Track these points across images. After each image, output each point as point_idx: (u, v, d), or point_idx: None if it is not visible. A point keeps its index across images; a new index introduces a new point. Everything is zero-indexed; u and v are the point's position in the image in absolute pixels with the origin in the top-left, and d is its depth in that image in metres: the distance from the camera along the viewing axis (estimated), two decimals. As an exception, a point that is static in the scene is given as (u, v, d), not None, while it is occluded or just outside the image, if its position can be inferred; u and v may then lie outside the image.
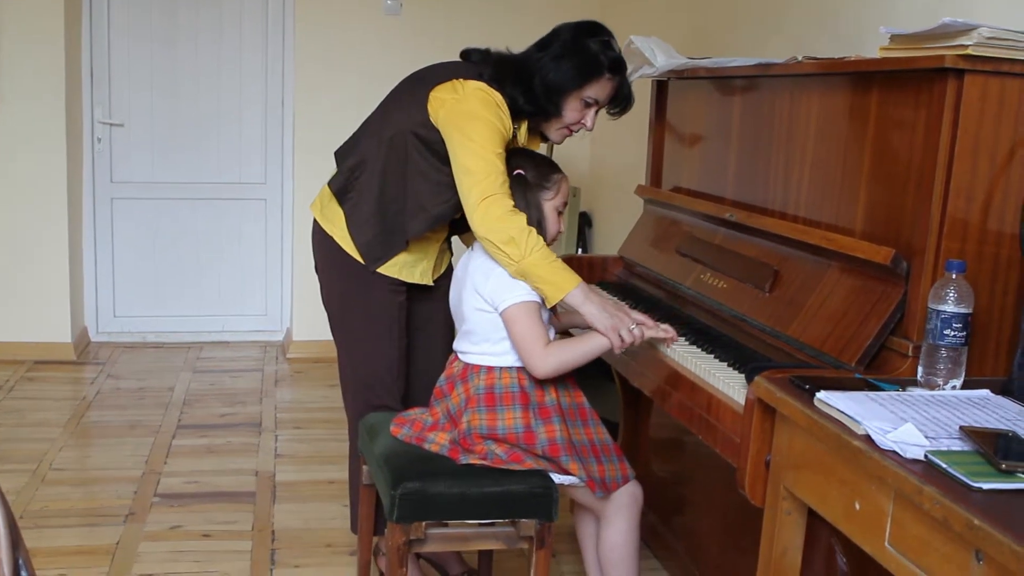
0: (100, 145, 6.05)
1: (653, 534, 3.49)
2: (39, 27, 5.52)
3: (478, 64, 2.95)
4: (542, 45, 2.93)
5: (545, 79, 2.86)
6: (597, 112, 2.98)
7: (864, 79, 2.42)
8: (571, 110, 2.92)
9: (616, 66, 2.92)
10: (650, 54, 3.27)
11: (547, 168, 2.80)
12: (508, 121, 2.85)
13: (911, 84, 2.24)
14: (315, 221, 3.14)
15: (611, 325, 2.62)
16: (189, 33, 6.04)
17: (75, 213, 5.90)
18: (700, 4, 4.52)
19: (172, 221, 6.21)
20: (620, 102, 2.99)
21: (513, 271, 2.64)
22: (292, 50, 5.98)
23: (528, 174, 2.74)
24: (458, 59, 3.04)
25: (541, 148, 3.17)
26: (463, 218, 2.91)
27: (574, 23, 2.95)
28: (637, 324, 2.65)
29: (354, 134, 3.14)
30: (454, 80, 2.89)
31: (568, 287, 2.63)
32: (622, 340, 2.62)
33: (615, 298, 3.09)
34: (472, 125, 2.79)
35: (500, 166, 2.74)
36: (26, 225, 5.69)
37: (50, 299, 5.77)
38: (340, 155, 3.13)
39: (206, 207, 6.24)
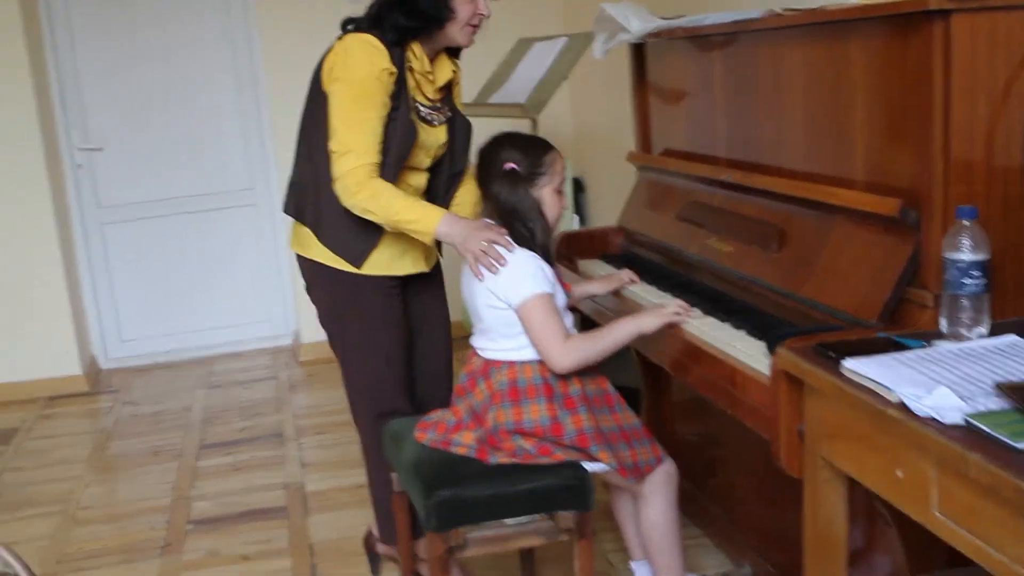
0: (82, 171, 6.01)
1: (689, 500, 3.47)
2: (3, 70, 5.45)
3: (354, 22, 2.97)
4: None
5: None
6: None
7: (848, 27, 2.37)
8: (462, 4, 2.91)
9: None
10: (624, 20, 3.22)
11: (537, 151, 2.73)
12: (383, 59, 2.84)
13: (898, 29, 2.19)
14: (299, 257, 3.12)
15: (468, 249, 2.68)
16: (156, 49, 5.97)
17: (67, 243, 5.86)
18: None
19: (165, 238, 6.17)
20: None
21: (385, 226, 2.87)
22: (260, 52, 5.91)
23: (520, 166, 2.68)
24: None
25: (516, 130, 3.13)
26: (437, 183, 3.07)
27: None
28: (493, 239, 2.64)
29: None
30: (333, 46, 2.94)
31: (433, 224, 2.78)
32: (476, 258, 2.65)
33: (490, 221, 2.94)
34: (338, 90, 2.86)
35: (359, 137, 2.82)
36: (19, 262, 5.65)
37: (55, 333, 5.74)
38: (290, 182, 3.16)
39: (197, 220, 6.20)
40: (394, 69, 2.86)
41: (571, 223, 4.96)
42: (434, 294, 3.26)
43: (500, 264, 2.63)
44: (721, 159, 3.05)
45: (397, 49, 2.87)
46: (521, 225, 2.66)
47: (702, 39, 3.09)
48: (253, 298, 6.34)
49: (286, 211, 3.13)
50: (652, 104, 3.51)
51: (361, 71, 2.83)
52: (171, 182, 6.13)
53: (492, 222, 2.72)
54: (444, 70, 3.06)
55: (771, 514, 2.98)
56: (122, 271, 6.16)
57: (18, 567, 1.53)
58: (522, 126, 3.64)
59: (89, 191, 6.05)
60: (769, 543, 3.01)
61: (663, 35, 3.21)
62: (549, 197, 2.72)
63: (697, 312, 2.71)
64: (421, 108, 2.98)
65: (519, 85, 4.44)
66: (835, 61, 2.44)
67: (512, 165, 2.68)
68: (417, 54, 2.94)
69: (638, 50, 3.51)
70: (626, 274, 3.07)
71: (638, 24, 3.20)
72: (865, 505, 2.27)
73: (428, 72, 2.98)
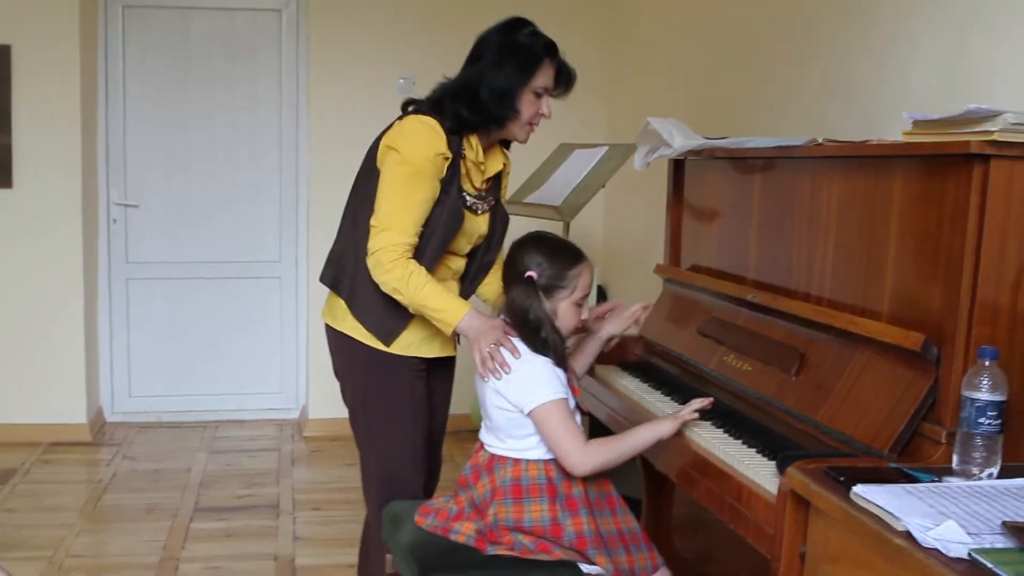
0: (115, 226, 6.09)
1: (680, 617, 3.44)
2: (56, 110, 5.59)
3: (415, 103, 3.03)
4: (475, 58, 2.99)
5: (493, 86, 2.91)
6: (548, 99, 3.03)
7: (888, 162, 2.42)
8: (526, 105, 2.96)
9: (550, 49, 2.98)
10: (667, 135, 3.27)
11: (565, 263, 2.72)
12: (441, 142, 2.89)
13: (937, 169, 2.23)
14: (328, 328, 3.14)
15: (475, 343, 2.72)
16: (204, 114, 6.10)
17: (91, 293, 5.92)
18: (715, 80, 4.55)
19: (187, 300, 6.23)
20: (563, 81, 3.03)
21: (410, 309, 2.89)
22: (307, 129, 6.03)
23: (541, 275, 2.68)
24: None
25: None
26: (469, 268, 3.10)
27: (495, 26, 3.01)
28: (500, 342, 2.68)
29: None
30: (392, 125, 2.99)
31: (457, 317, 2.82)
32: (483, 358, 2.68)
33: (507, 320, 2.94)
34: (391, 168, 2.90)
35: (402, 217, 2.86)
36: (42, 306, 5.71)
37: (66, 380, 5.77)
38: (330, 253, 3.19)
39: (221, 286, 6.26)
40: (449, 154, 2.91)
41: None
42: (446, 379, 3.28)
43: (504, 371, 2.64)
44: (748, 279, 3.07)
45: (455, 137, 2.93)
46: (531, 331, 2.68)
47: (742, 161, 3.14)
48: (266, 368, 6.36)
49: (322, 280, 3.15)
50: (686, 219, 3.55)
51: (417, 152, 2.88)
52: (201, 245, 6.20)
53: (507, 322, 2.74)
54: (496, 161, 3.11)
55: (762, 640, 2.95)
56: (140, 327, 6.20)
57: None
58: (555, 228, 3.69)
59: (119, 245, 6.13)
60: (757, 669, 2.97)
61: (704, 154, 3.26)
62: (566, 310, 2.72)
63: (708, 424, 2.72)
64: (468, 197, 3.03)
65: (556, 188, 4.50)
66: (872, 194, 2.47)
67: (532, 274, 2.68)
68: (472, 144, 3.00)
69: (677, 165, 3.56)
70: (638, 307, 3.13)
71: (681, 141, 3.25)
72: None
73: (480, 162, 3.03)
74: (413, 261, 2.86)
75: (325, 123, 5.94)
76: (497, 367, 2.65)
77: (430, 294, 2.84)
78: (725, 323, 3.09)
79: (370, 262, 2.88)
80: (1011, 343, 2.14)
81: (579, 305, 2.75)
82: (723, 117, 4.37)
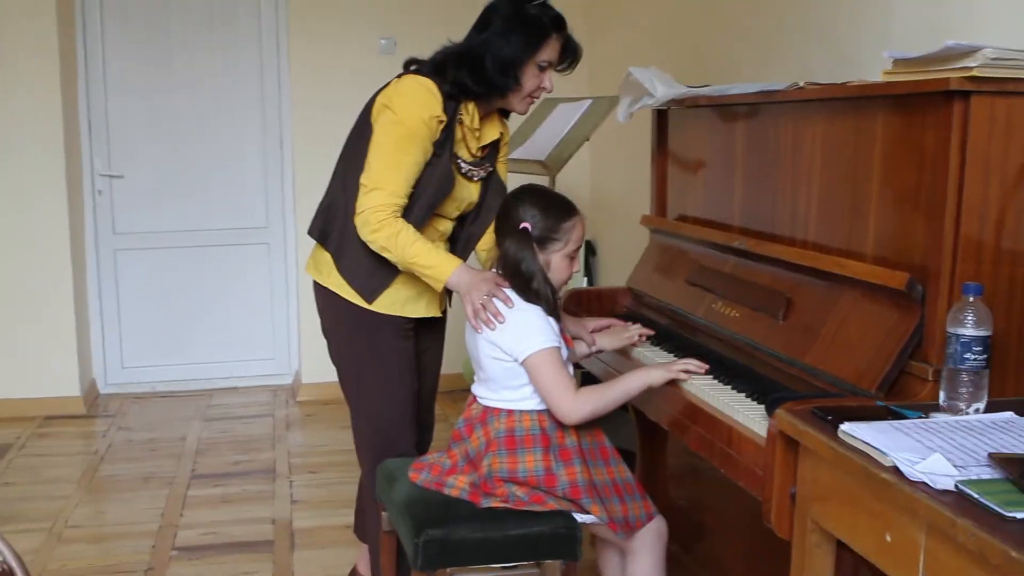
0: (101, 197, 6.06)
1: (676, 564, 3.45)
2: (35, 82, 5.55)
3: (417, 63, 3.02)
4: (482, 26, 2.97)
5: (498, 56, 2.90)
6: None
7: (869, 104, 2.42)
8: (529, 78, 2.95)
9: (559, 24, 2.97)
10: (650, 85, 3.26)
11: (558, 215, 2.73)
12: (436, 106, 2.89)
13: (917, 107, 2.23)
14: (314, 283, 3.14)
15: (467, 296, 2.74)
16: (185, 81, 6.06)
17: (79, 266, 5.91)
18: (696, 29, 4.53)
19: (176, 270, 6.22)
20: (568, 57, 3.03)
21: (399, 266, 2.89)
22: (288, 93, 6.01)
23: (536, 227, 2.69)
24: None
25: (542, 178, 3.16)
26: (457, 234, 3.12)
27: None
28: (493, 293, 2.69)
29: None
30: (389, 83, 2.98)
31: (447, 273, 2.82)
32: (475, 310, 2.70)
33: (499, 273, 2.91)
34: (384, 127, 2.90)
35: (391, 175, 2.85)
36: (30, 280, 5.69)
37: (58, 354, 5.77)
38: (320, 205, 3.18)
39: (209, 254, 6.25)
40: (444, 118, 2.90)
41: (580, 285, 5.00)
42: (435, 339, 3.29)
43: (497, 320, 2.65)
44: (735, 227, 3.08)
45: (452, 101, 2.92)
46: (523, 282, 2.68)
47: (725, 108, 3.14)
48: (257, 335, 6.36)
49: (310, 233, 3.15)
50: (671, 170, 3.55)
51: (412, 113, 2.87)
52: (187, 214, 6.18)
53: (499, 274, 2.74)
54: (492, 129, 3.11)
55: (757, 584, 2.98)
56: (130, 298, 6.19)
57: (8, 555, 1.54)
58: (541, 183, 3.68)
59: (106, 217, 6.10)
60: (753, 613, 3.00)
61: (687, 102, 3.26)
62: (558, 262, 2.73)
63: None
64: (463, 163, 3.02)
65: (541, 143, 4.49)
66: (854, 135, 2.47)
67: (526, 226, 2.69)
68: (469, 110, 2.99)
69: (661, 116, 3.55)
70: (636, 331, 3.09)
71: (663, 90, 3.24)
72: (852, 571, 2.27)
73: (476, 129, 3.02)
74: (401, 220, 2.86)
75: (307, 86, 5.91)
76: (490, 317, 2.66)
77: (419, 251, 2.84)
78: (712, 271, 3.10)
79: (358, 221, 2.88)
80: (995, 279, 2.14)
81: (571, 258, 2.76)
82: (705, 66, 4.36)
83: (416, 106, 2.88)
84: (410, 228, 2.86)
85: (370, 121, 2.96)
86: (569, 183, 5.46)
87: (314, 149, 5.85)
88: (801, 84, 2.78)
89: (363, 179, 2.88)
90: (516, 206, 2.74)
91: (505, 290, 2.69)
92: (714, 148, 3.23)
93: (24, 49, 5.52)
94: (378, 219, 2.84)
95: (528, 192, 2.79)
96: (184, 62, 6.06)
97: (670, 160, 3.55)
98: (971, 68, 2.06)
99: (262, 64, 6.12)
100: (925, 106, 2.20)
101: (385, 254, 2.88)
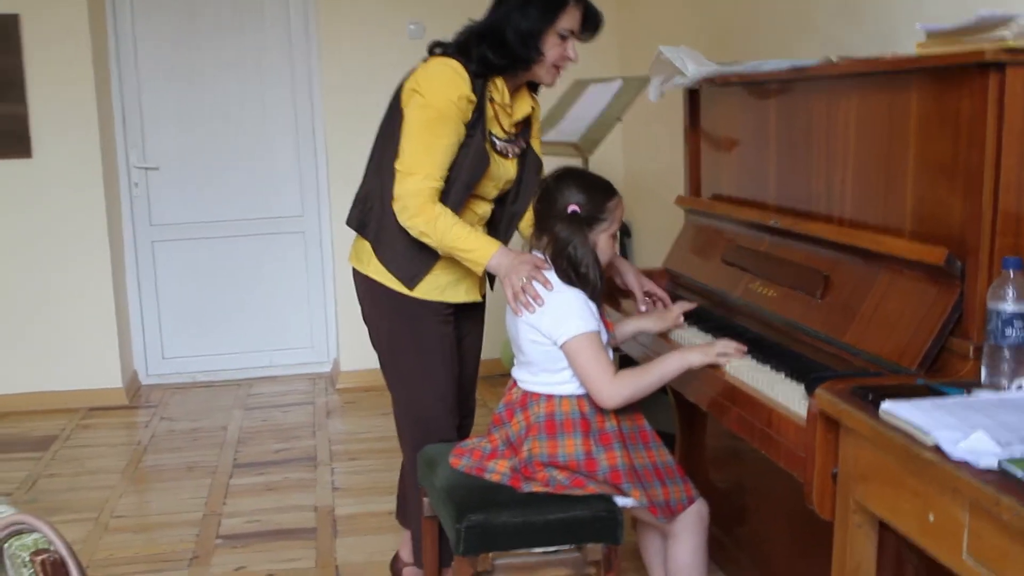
0: (137, 190, 6.11)
1: (717, 547, 3.45)
2: (69, 76, 5.59)
3: (442, 46, 3.01)
4: (500, 1, 2.98)
5: (518, 28, 2.90)
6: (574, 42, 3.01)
7: (903, 77, 2.39)
8: (551, 47, 2.94)
9: None
10: (680, 63, 3.24)
11: (602, 195, 2.74)
12: (465, 86, 2.89)
13: (952, 80, 2.20)
14: (355, 272, 3.15)
15: (506, 279, 2.73)
16: (215, 69, 6.09)
17: (117, 259, 5.96)
18: (724, 6, 4.49)
19: (213, 260, 6.26)
20: (590, 24, 3.01)
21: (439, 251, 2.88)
22: (319, 80, 6.01)
23: (583, 208, 2.68)
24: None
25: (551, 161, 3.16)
26: (498, 216, 3.10)
27: None
28: (533, 276, 2.68)
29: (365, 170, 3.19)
30: (417, 68, 2.97)
31: (487, 255, 2.82)
32: (515, 292, 2.69)
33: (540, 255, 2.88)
34: (415, 111, 2.89)
35: (424, 158, 2.85)
36: (70, 275, 5.75)
37: (99, 346, 5.82)
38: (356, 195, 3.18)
39: (246, 244, 6.28)
40: (474, 97, 2.90)
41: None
42: (475, 324, 3.29)
43: (536, 303, 2.64)
44: (770, 205, 3.06)
45: (480, 79, 2.92)
46: (572, 266, 2.67)
47: (757, 86, 3.11)
48: (295, 324, 6.40)
49: (349, 223, 3.15)
50: (704, 149, 3.53)
51: (441, 95, 2.87)
52: (223, 204, 6.22)
53: (541, 256, 2.73)
54: (523, 105, 3.10)
55: (799, 564, 2.96)
56: (169, 289, 6.24)
57: (59, 544, 1.56)
58: (575, 164, 3.67)
59: (142, 209, 6.15)
60: (797, 592, 2.99)
61: (718, 80, 3.23)
62: (604, 242, 2.73)
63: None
64: (497, 140, 3.02)
65: (573, 124, 4.48)
66: (888, 110, 2.45)
67: (575, 208, 2.68)
68: (499, 86, 2.99)
69: (692, 95, 3.53)
70: (680, 309, 3.07)
71: (694, 68, 3.22)
72: (894, 558, 2.26)
73: (507, 105, 3.02)
74: (440, 204, 2.87)
75: (338, 72, 5.90)
76: (530, 300, 2.66)
77: (459, 235, 2.84)
78: (748, 250, 3.08)
79: (396, 207, 2.89)
80: (1035, 252, 2.12)
81: (614, 237, 2.76)
82: (734, 42, 4.32)
83: (445, 88, 2.88)
84: (448, 212, 2.86)
85: (400, 107, 2.96)
86: (603, 165, 5.44)
87: (347, 137, 5.86)
88: (834, 59, 2.75)
89: (397, 165, 2.88)
90: (559, 189, 2.73)
91: (545, 272, 2.68)
92: (747, 126, 3.21)
93: (56, 40, 5.55)
94: (416, 204, 2.84)
95: (569, 175, 2.78)
96: (213, 49, 6.08)
97: (703, 139, 3.53)
98: (1006, 38, 2.04)
99: (291, 47, 6.13)
100: (960, 78, 2.17)
101: (424, 239, 2.89)
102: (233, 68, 6.11)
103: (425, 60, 2.99)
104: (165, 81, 6.06)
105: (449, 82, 2.88)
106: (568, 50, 2.97)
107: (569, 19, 2.94)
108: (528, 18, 2.90)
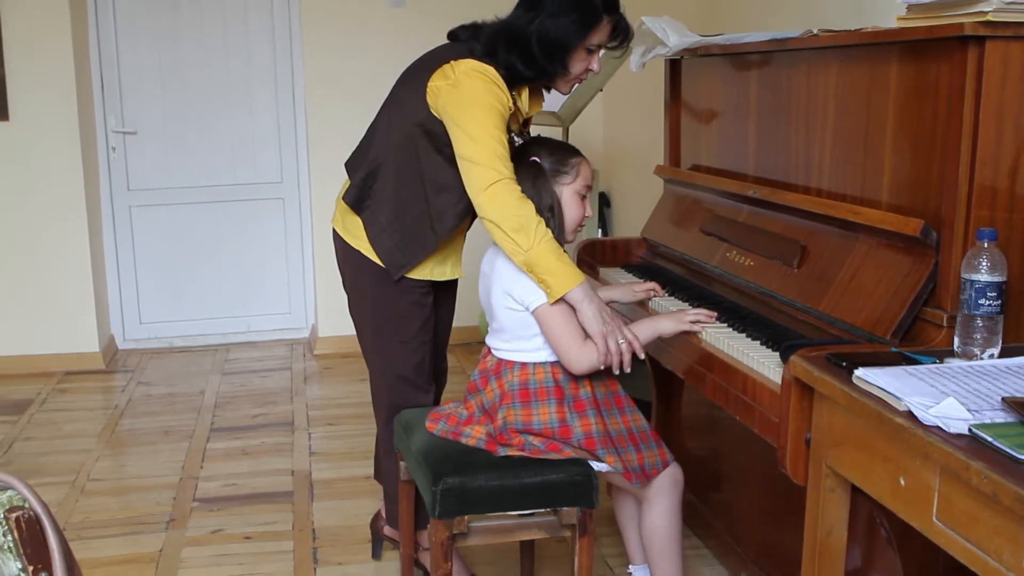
0: (115, 154, 6.08)
1: (692, 512, 3.49)
2: (46, 41, 5.54)
3: (467, 41, 2.90)
4: (532, 4, 2.82)
5: (546, 40, 2.77)
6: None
7: (883, 50, 2.41)
8: (577, 62, 2.84)
9: (611, 6, 2.83)
10: (662, 34, 3.25)
11: (564, 152, 2.77)
12: (505, 95, 2.79)
13: (931, 53, 2.23)
14: (338, 237, 3.11)
15: (600, 331, 2.59)
16: (195, 36, 6.05)
17: (95, 223, 5.94)
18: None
19: (191, 225, 6.24)
20: (619, 37, 2.89)
21: (520, 260, 2.61)
22: (300, 46, 5.98)
23: (544, 161, 2.72)
24: (447, 42, 3.02)
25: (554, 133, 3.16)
26: None
27: None
28: (627, 340, 2.61)
29: (361, 143, 3.12)
30: (444, 65, 2.84)
31: (572, 284, 2.60)
32: (608, 351, 2.59)
33: (621, 314, 2.97)
34: (467, 112, 2.75)
35: (501, 150, 2.70)
36: (47, 238, 5.72)
37: (76, 310, 5.81)
38: (350, 166, 3.12)
39: (224, 209, 6.27)
40: (512, 106, 2.84)
41: (585, 231, 5.00)
42: (449, 293, 3.29)
43: (625, 369, 2.64)
44: (749, 176, 3.08)
45: (508, 85, 2.83)
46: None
47: (738, 57, 3.13)
48: (274, 290, 6.40)
49: (345, 199, 3.08)
50: (684, 119, 3.55)
51: (494, 99, 2.76)
52: (201, 170, 6.20)
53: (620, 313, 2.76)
54: (536, 105, 3.04)
55: (771, 530, 3.00)
56: (146, 254, 6.23)
57: (34, 502, 1.57)
58: (554, 134, 3.68)
59: (120, 174, 6.12)
60: (768, 558, 3.03)
61: (700, 51, 3.25)
62: (570, 197, 2.73)
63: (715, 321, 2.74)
64: (515, 136, 2.95)
65: (554, 94, 4.47)
66: (868, 82, 2.47)
67: (535, 159, 2.72)
68: (522, 96, 2.92)
69: (674, 66, 3.54)
70: (650, 285, 3.09)
71: (676, 39, 3.23)
72: (866, 522, 2.29)
73: (525, 110, 2.97)
74: (532, 207, 2.68)
75: (319, 39, 5.87)
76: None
77: (546, 252, 2.61)
78: (727, 220, 3.10)
79: (485, 197, 2.68)
80: (1010, 225, 2.15)
81: (582, 196, 2.76)
82: (718, 14, 4.34)
83: (495, 94, 2.77)
84: (541, 221, 2.65)
85: (425, 101, 2.85)
86: (583, 134, 5.45)
87: (327, 103, 5.84)
88: (814, 31, 2.77)
89: (475, 158, 2.72)
90: (523, 151, 2.78)
91: None
92: (727, 97, 3.23)
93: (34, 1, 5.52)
94: (515, 194, 2.66)
95: (536, 139, 2.85)
96: (193, 14, 6.04)
97: (684, 110, 3.55)
98: (986, 12, 2.05)
99: (273, 15, 6.09)
100: (939, 52, 2.20)
101: (512, 234, 2.61)
102: (212, 33, 6.08)
103: (457, 58, 2.83)
104: (144, 46, 6.02)
105: (497, 89, 2.78)
106: (593, 63, 2.87)
107: (600, 34, 2.82)
108: (559, 31, 2.77)
